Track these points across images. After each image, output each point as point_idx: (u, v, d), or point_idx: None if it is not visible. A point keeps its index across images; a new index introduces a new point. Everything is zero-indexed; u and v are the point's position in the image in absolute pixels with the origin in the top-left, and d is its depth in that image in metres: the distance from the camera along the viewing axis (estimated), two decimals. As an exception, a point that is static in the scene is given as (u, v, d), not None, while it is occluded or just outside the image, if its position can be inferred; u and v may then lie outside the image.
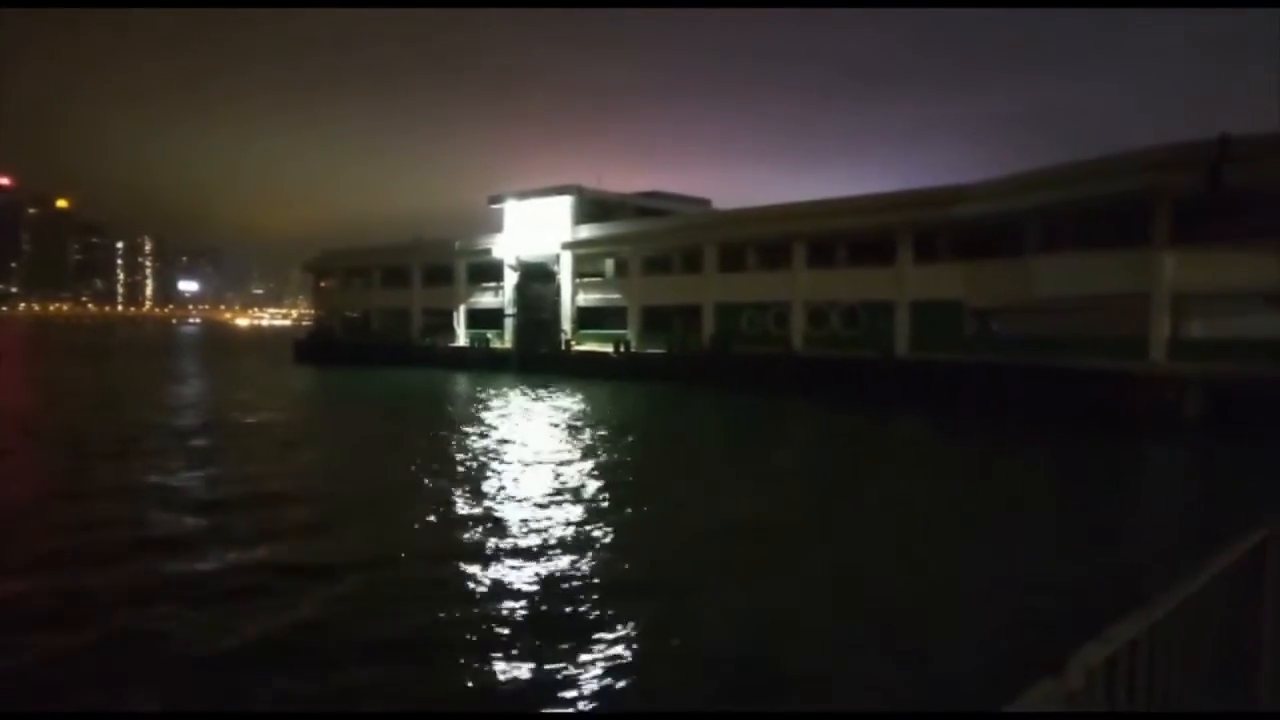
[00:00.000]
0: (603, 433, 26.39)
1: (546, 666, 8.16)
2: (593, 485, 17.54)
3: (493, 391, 41.47)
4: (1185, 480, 21.21)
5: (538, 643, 8.72)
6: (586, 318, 56.80)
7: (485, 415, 31.20)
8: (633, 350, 51.61)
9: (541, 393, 40.53)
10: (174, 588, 10.46)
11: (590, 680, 7.88)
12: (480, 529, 13.64)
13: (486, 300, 63.47)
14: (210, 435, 25.16)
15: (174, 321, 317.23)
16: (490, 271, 62.84)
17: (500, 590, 10.46)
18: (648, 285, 53.60)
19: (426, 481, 18.13)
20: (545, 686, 7.77)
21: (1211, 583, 2.92)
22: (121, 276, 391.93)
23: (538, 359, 55.05)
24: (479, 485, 17.51)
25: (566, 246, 57.07)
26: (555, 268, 58.55)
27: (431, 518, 14.56)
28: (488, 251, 62.48)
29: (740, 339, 46.58)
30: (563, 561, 11.74)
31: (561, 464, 20.18)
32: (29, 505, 15.91)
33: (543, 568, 11.43)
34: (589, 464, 20.40)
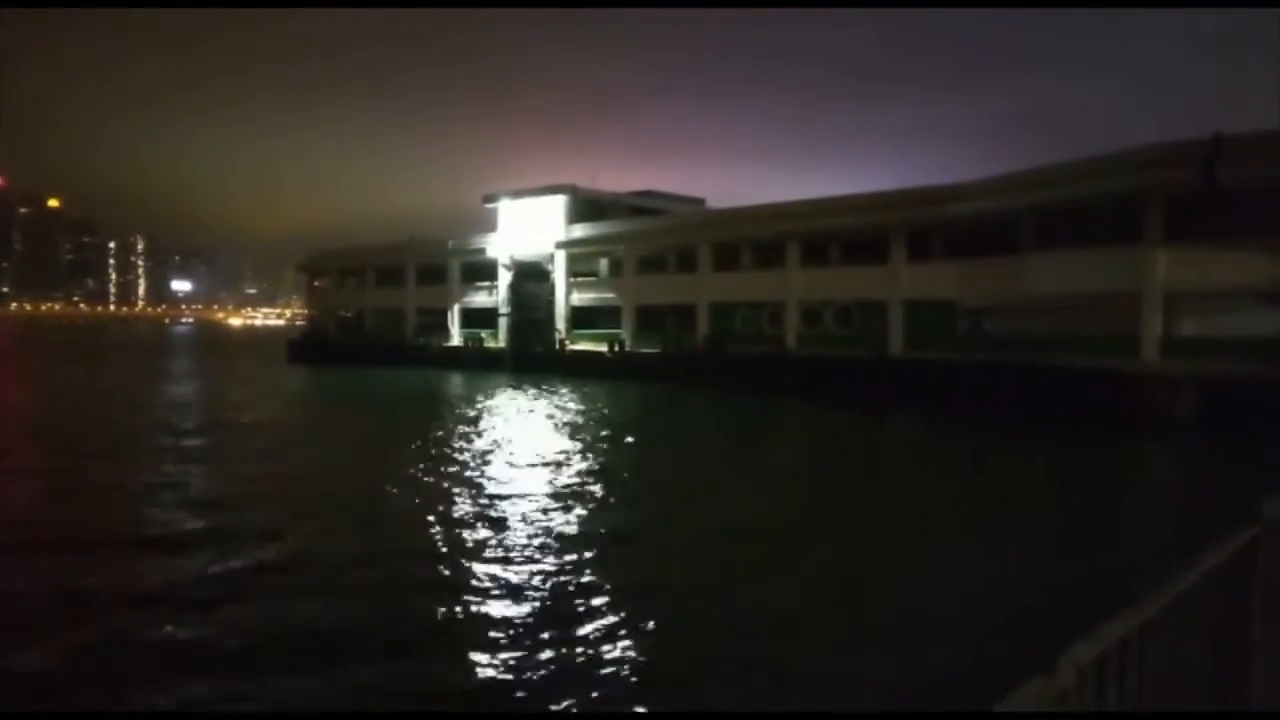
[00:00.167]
0: (598, 433, 26.40)
1: (547, 665, 8.18)
2: (589, 486, 17.55)
3: (487, 391, 41.44)
4: (1176, 479, 21.30)
5: (541, 642, 8.74)
6: (581, 317, 56.78)
7: (480, 415, 31.17)
8: (627, 350, 51.61)
9: (536, 392, 40.52)
10: (171, 589, 10.47)
11: (592, 680, 7.90)
12: (479, 530, 13.65)
13: (481, 300, 63.41)
14: (203, 436, 25.10)
15: (167, 321, 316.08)
16: (484, 271, 62.77)
17: (503, 591, 10.47)
18: (642, 285, 53.60)
19: (422, 482, 18.10)
20: (548, 684, 7.80)
21: (1202, 581, 2.92)
22: (114, 276, 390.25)
23: (532, 358, 55.01)
24: (476, 487, 17.50)
25: (561, 246, 57.04)
26: (549, 267, 58.51)
27: (429, 518, 14.55)
28: (482, 251, 62.42)
29: (734, 338, 46.62)
30: (564, 562, 11.75)
31: (559, 465, 20.18)
32: (24, 508, 15.87)
33: (544, 568, 11.44)
34: (585, 465, 20.41)
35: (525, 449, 22.54)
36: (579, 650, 8.58)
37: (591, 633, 9.07)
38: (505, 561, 11.74)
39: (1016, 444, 25.54)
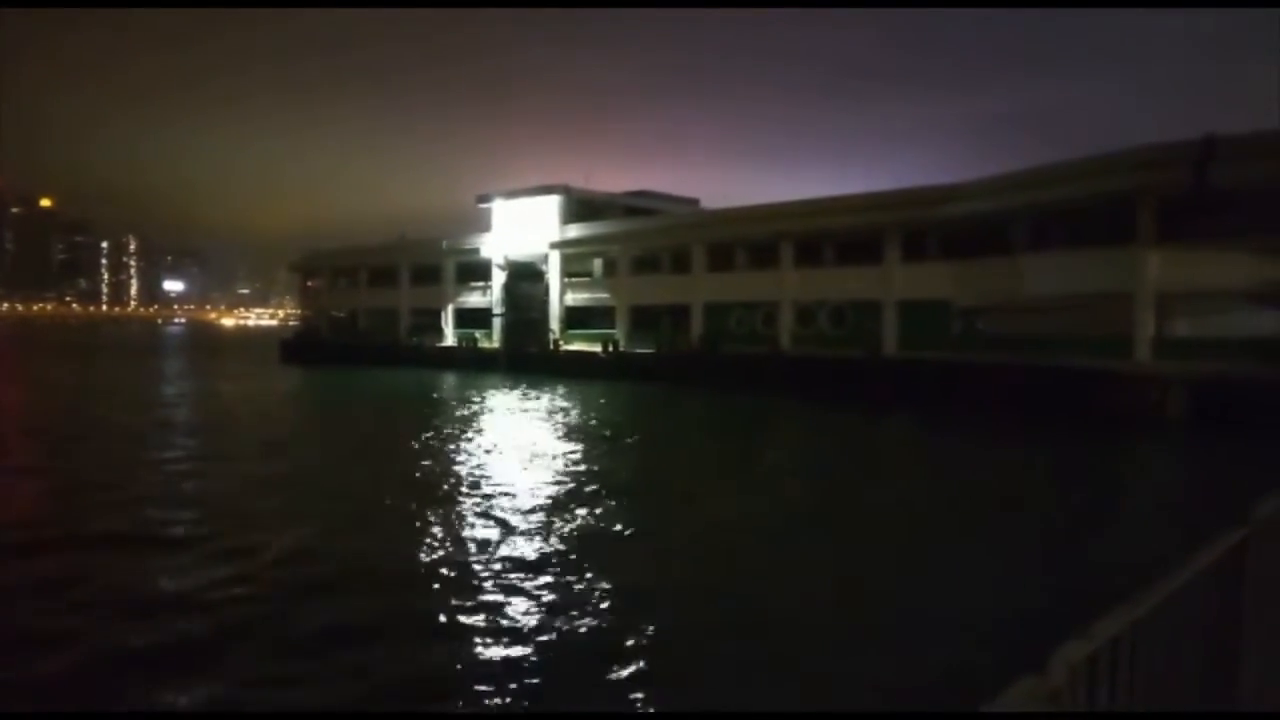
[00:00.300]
0: (593, 433, 26.39)
1: (547, 665, 8.19)
2: (585, 485, 17.53)
3: (482, 392, 41.41)
4: (1167, 480, 21.37)
5: (542, 641, 8.74)
6: (575, 317, 56.78)
7: (475, 416, 31.15)
8: (621, 350, 51.62)
9: (530, 393, 40.50)
10: (171, 588, 10.45)
11: (593, 680, 7.91)
12: (479, 531, 13.62)
13: (474, 300, 63.37)
14: (194, 437, 25.04)
15: (159, 322, 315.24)
16: (478, 271, 62.73)
17: (503, 593, 10.43)
18: (636, 285, 53.62)
19: (418, 482, 18.07)
20: (548, 685, 7.80)
21: (1193, 580, 2.92)
22: (106, 276, 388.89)
23: (526, 359, 54.99)
24: (473, 488, 17.47)
25: (555, 246, 57.03)
26: (543, 267, 58.50)
27: (426, 517, 14.52)
28: (476, 251, 62.38)
29: (728, 338, 46.67)
30: (562, 561, 11.74)
31: (556, 465, 20.18)
32: (23, 508, 15.81)
33: (543, 567, 11.43)
34: (581, 464, 20.40)
35: (522, 449, 22.51)
36: (579, 650, 8.58)
37: (592, 633, 9.07)
38: (505, 563, 11.70)
39: (1010, 444, 25.58)
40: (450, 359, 60.33)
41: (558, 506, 15.36)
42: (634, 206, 59.85)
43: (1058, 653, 2.09)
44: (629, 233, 54.25)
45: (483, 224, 62.68)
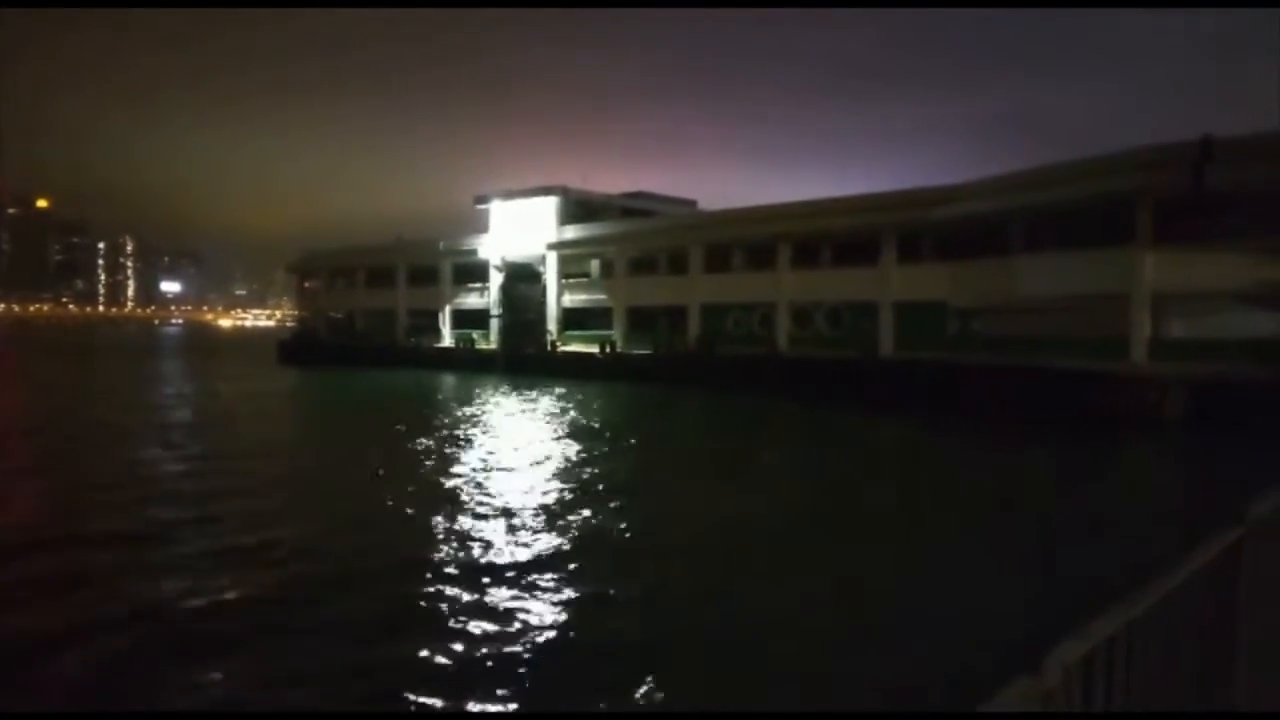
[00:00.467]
0: (591, 433, 26.39)
1: (548, 665, 8.20)
2: (584, 486, 17.54)
3: (479, 393, 41.40)
4: (1163, 481, 21.39)
5: (544, 642, 8.75)
6: (572, 318, 56.77)
7: (472, 417, 31.14)
8: (618, 351, 51.62)
9: (528, 393, 40.50)
10: (171, 584, 10.44)
11: (593, 680, 7.92)
12: (480, 533, 13.62)
13: (472, 301, 63.33)
14: (193, 437, 25.00)
15: (156, 322, 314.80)
16: (476, 272, 62.70)
17: (504, 594, 10.43)
18: (633, 286, 53.62)
19: (416, 481, 18.07)
20: (548, 684, 7.81)
21: (1189, 580, 2.91)
22: (103, 277, 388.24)
23: (524, 359, 54.98)
24: (473, 488, 17.47)
25: (552, 247, 57.02)
26: (541, 268, 58.48)
27: (425, 518, 14.53)
28: (473, 252, 62.35)
29: (726, 339, 46.68)
30: (563, 560, 11.75)
31: (554, 464, 20.18)
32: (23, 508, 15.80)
33: (544, 567, 11.44)
34: (579, 463, 20.40)
35: (520, 449, 22.52)
36: (580, 649, 8.60)
37: (592, 632, 9.10)
38: (506, 563, 11.72)
39: (1006, 445, 25.61)
40: (448, 360, 60.29)
41: (556, 505, 15.37)
42: (631, 208, 59.86)
43: (1053, 653, 2.08)
44: (626, 234, 54.25)
45: (480, 225, 62.69)
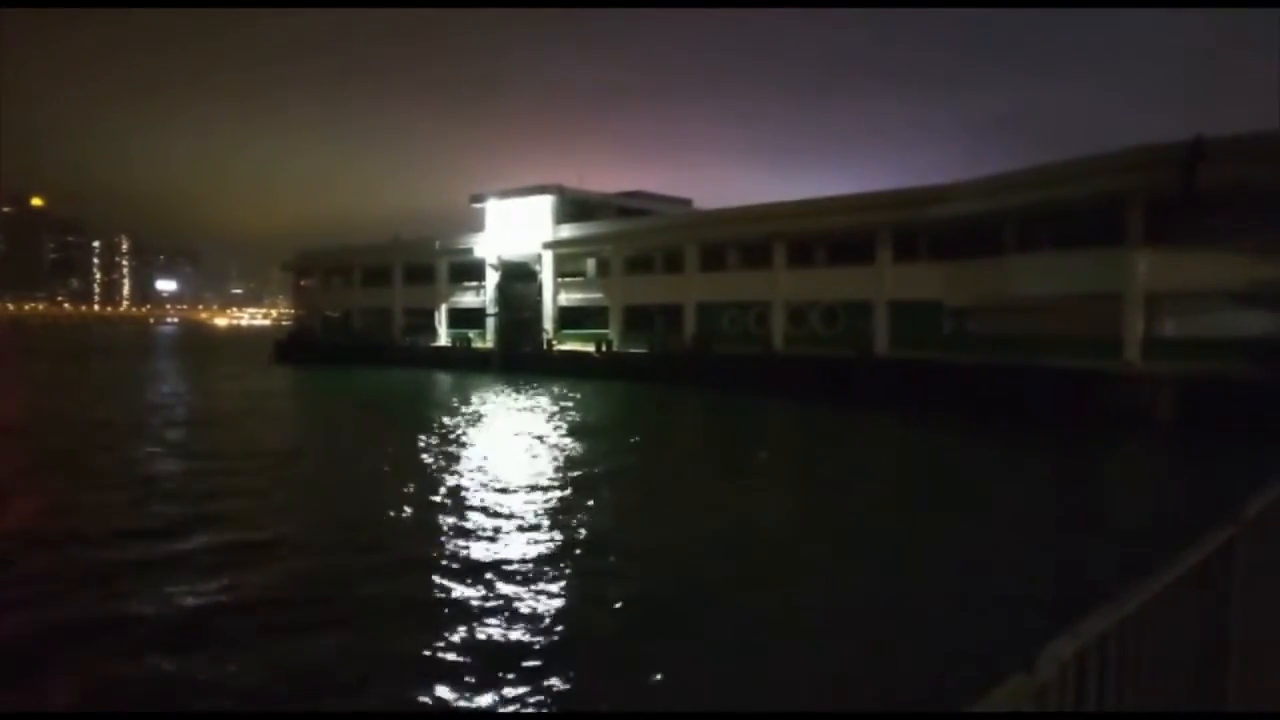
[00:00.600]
0: (588, 432, 26.47)
1: (548, 664, 8.28)
2: (581, 483, 17.63)
3: (476, 391, 41.46)
4: (1158, 481, 21.52)
5: (544, 642, 8.84)
6: (568, 317, 56.83)
7: (469, 416, 31.21)
8: (615, 350, 51.69)
9: (524, 392, 40.58)
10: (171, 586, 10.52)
11: (594, 679, 8.00)
12: (482, 535, 13.69)
13: (468, 300, 63.36)
14: (192, 437, 25.04)
15: (151, 321, 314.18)
16: (472, 271, 62.73)
17: (506, 595, 10.48)
18: (629, 285, 53.68)
19: (416, 480, 18.15)
20: (548, 683, 7.88)
21: (1181, 578, 2.89)
22: (98, 276, 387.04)
23: (520, 358, 55.03)
24: (472, 490, 17.56)
25: (548, 246, 57.07)
26: (537, 267, 58.53)
27: (427, 518, 14.60)
28: (469, 251, 62.38)
29: (721, 338, 46.76)
30: (563, 560, 11.84)
31: (554, 465, 20.26)
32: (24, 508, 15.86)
33: (544, 567, 11.53)
34: (582, 465, 20.48)
35: (518, 449, 22.60)
36: (580, 648, 8.68)
37: (593, 632, 9.20)
38: (507, 566, 11.80)
39: (1001, 444, 25.73)
40: (444, 359, 60.31)
41: (556, 504, 15.47)
42: (627, 207, 59.89)
43: (1046, 649, 2.07)
44: (622, 233, 54.31)
45: (476, 224, 62.69)
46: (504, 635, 8.99)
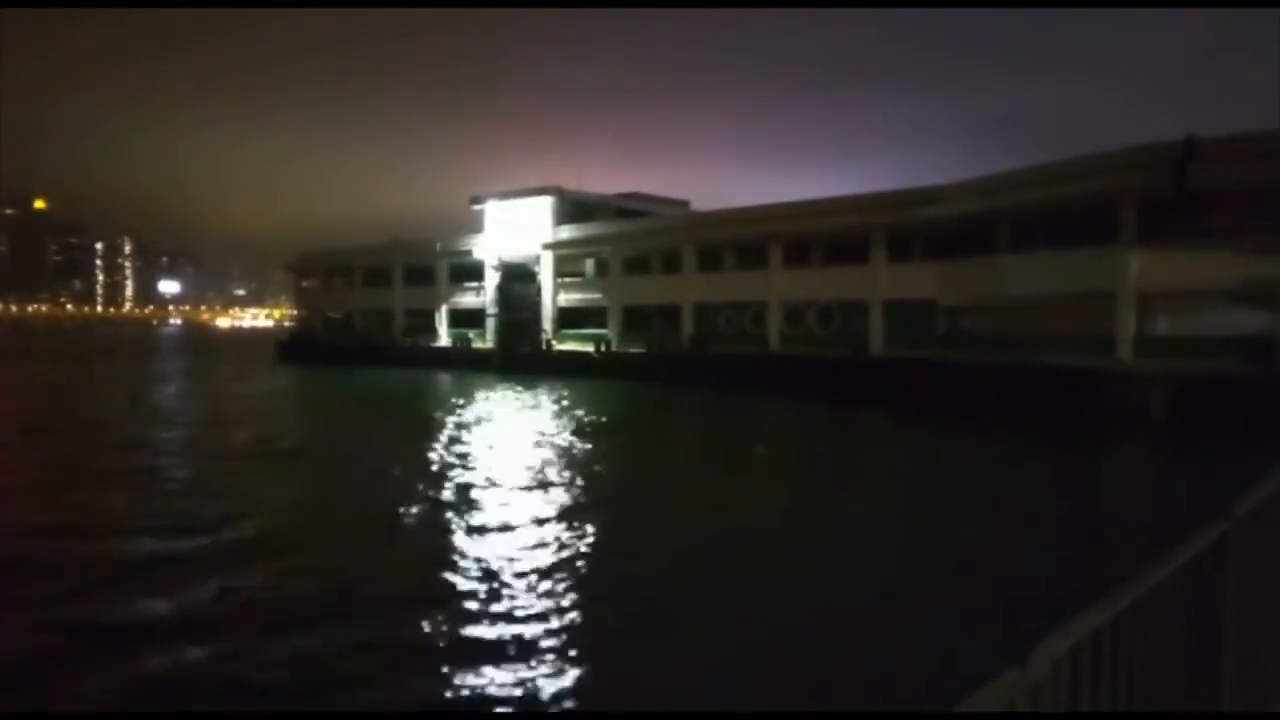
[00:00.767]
0: (588, 431, 26.68)
1: (549, 664, 8.48)
2: (586, 484, 17.83)
3: (476, 391, 41.69)
4: (1154, 480, 21.68)
5: (545, 642, 9.03)
6: (567, 317, 57.05)
7: (470, 415, 31.43)
8: (613, 350, 51.91)
9: (524, 392, 40.80)
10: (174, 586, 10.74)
11: (594, 679, 8.17)
12: (483, 536, 13.85)
13: (468, 300, 63.60)
14: (195, 437, 25.26)
15: (154, 323, 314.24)
16: (472, 272, 62.96)
17: (508, 597, 10.59)
18: (628, 285, 53.91)
19: (417, 479, 18.36)
20: (548, 684, 8.04)
21: (1174, 575, 2.90)
22: (101, 277, 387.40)
23: (520, 358, 55.26)
24: (473, 490, 17.74)
25: (547, 247, 57.29)
26: (536, 268, 58.75)
27: (429, 519, 14.80)
28: (469, 252, 62.60)
29: (718, 338, 46.97)
30: (566, 562, 12.04)
31: (557, 462, 20.47)
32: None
33: (546, 568, 11.72)
34: (581, 465, 20.67)
35: (517, 448, 22.81)
36: (580, 648, 8.80)
37: (592, 631, 9.35)
38: (507, 563, 11.95)
39: (996, 442, 25.89)
40: (445, 359, 60.54)
41: (555, 503, 15.68)
42: (625, 208, 60.08)
43: (1039, 647, 2.06)
44: (620, 234, 54.53)
45: (476, 225, 62.90)
46: (504, 633, 9.14)
